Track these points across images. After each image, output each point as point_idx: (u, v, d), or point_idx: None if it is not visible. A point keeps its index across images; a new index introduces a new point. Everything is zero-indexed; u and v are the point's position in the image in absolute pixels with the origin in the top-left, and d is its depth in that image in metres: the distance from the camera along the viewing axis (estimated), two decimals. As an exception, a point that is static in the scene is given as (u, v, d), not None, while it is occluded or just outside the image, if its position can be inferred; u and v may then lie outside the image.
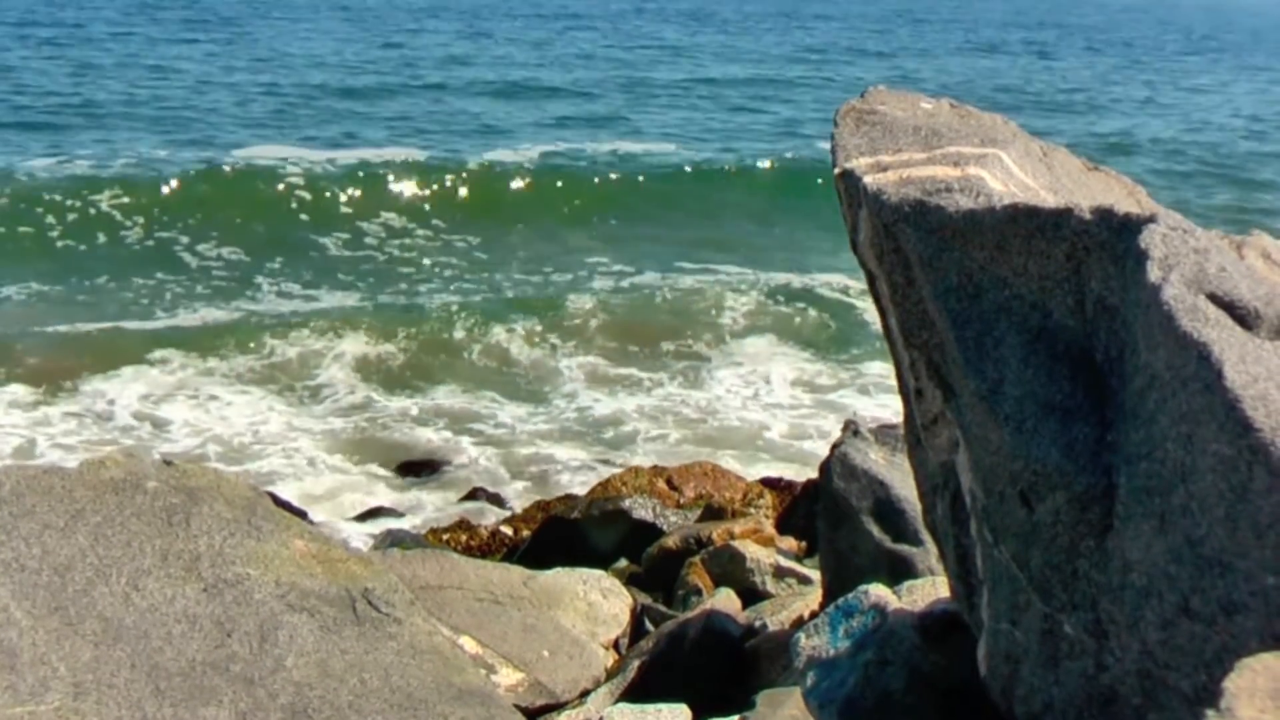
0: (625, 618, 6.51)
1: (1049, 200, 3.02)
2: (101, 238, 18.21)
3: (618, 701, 5.27)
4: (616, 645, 6.35)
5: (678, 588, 7.33)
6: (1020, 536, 2.77)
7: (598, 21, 63.14)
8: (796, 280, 18.27)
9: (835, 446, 6.27)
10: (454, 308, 16.59)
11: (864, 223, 3.26)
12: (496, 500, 10.52)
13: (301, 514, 8.60)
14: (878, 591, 3.94)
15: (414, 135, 27.34)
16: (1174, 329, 2.32)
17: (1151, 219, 2.58)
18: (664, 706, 4.79)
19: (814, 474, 7.65)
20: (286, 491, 10.33)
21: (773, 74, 43.02)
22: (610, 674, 5.80)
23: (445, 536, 9.24)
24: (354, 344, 14.79)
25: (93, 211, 19.00)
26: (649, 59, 45.94)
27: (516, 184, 22.25)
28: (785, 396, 13.69)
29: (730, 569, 7.17)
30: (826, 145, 3.64)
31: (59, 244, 17.84)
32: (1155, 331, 2.39)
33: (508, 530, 9.38)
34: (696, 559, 7.47)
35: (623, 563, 8.26)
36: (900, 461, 5.86)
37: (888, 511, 5.87)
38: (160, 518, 4.05)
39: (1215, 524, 2.20)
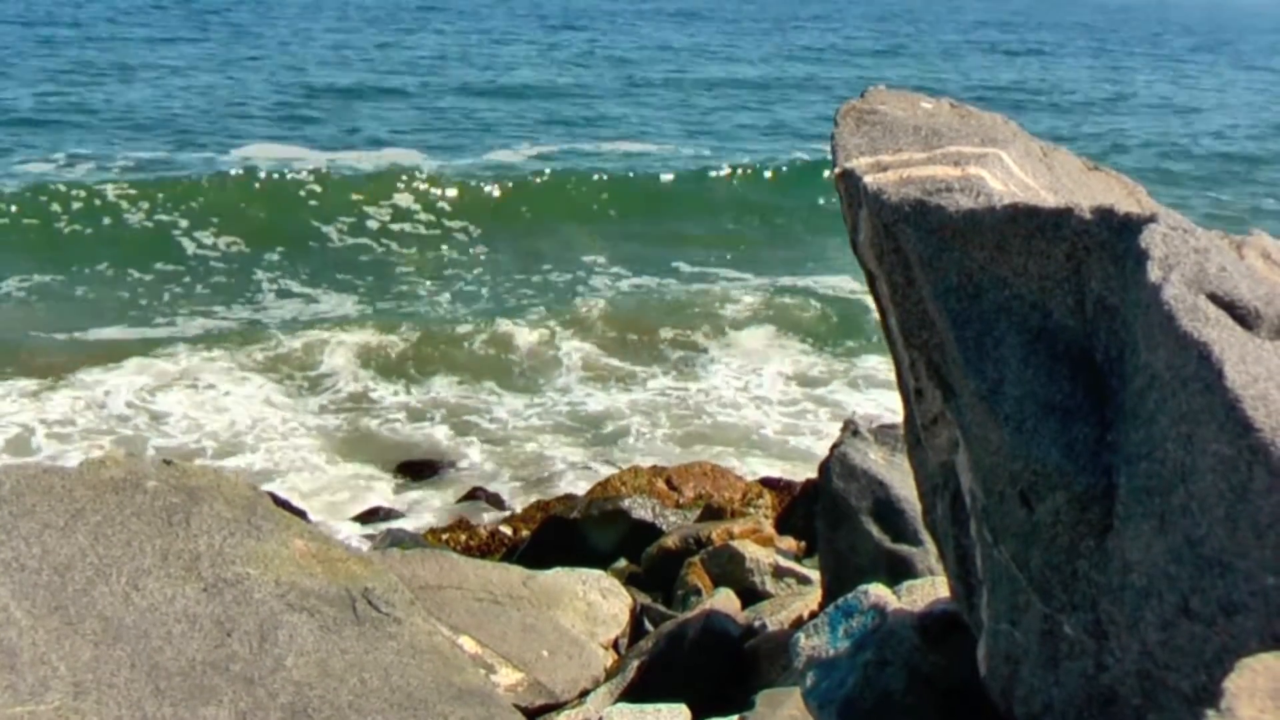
0: (624, 618, 6.51)
1: (1049, 200, 3.02)
2: (102, 238, 18.20)
3: (617, 701, 5.28)
4: (616, 645, 6.35)
5: (677, 588, 7.33)
6: (1020, 537, 2.77)
7: (598, 21, 63.12)
8: (797, 280, 18.28)
9: (835, 446, 6.27)
10: (453, 306, 16.63)
11: (864, 222, 3.26)
12: (496, 500, 10.52)
13: (301, 514, 8.60)
14: (877, 592, 3.94)
15: (414, 135, 27.33)
16: (1174, 329, 2.32)
17: (1152, 219, 2.58)
18: (663, 706, 4.79)
19: (815, 470, 7.65)
20: (286, 491, 10.33)
21: (775, 74, 43.01)
22: (609, 674, 5.80)
23: (444, 536, 9.25)
24: (355, 342, 14.78)
25: (93, 212, 18.97)
26: (648, 59, 45.94)
27: (517, 184, 22.22)
28: (785, 393, 13.70)
29: (729, 569, 7.18)
30: (825, 146, 3.64)
31: (59, 244, 17.82)
32: (1155, 331, 2.39)
33: (507, 530, 9.38)
34: (696, 559, 7.47)
35: (622, 563, 8.26)
36: (900, 461, 5.86)
37: (887, 511, 5.87)
38: (160, 517, 4.05)
39: (1215, 524, 2.20)
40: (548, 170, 23.62)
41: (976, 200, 2.96)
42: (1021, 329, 2.80)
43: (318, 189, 21.17)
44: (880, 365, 14.24)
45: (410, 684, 3.78)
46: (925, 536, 5.41)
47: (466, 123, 29.48)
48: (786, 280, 18.25)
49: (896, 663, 3.60)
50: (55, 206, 19.02)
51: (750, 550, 7.27)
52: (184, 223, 18.88)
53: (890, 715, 3.50)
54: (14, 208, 18.84)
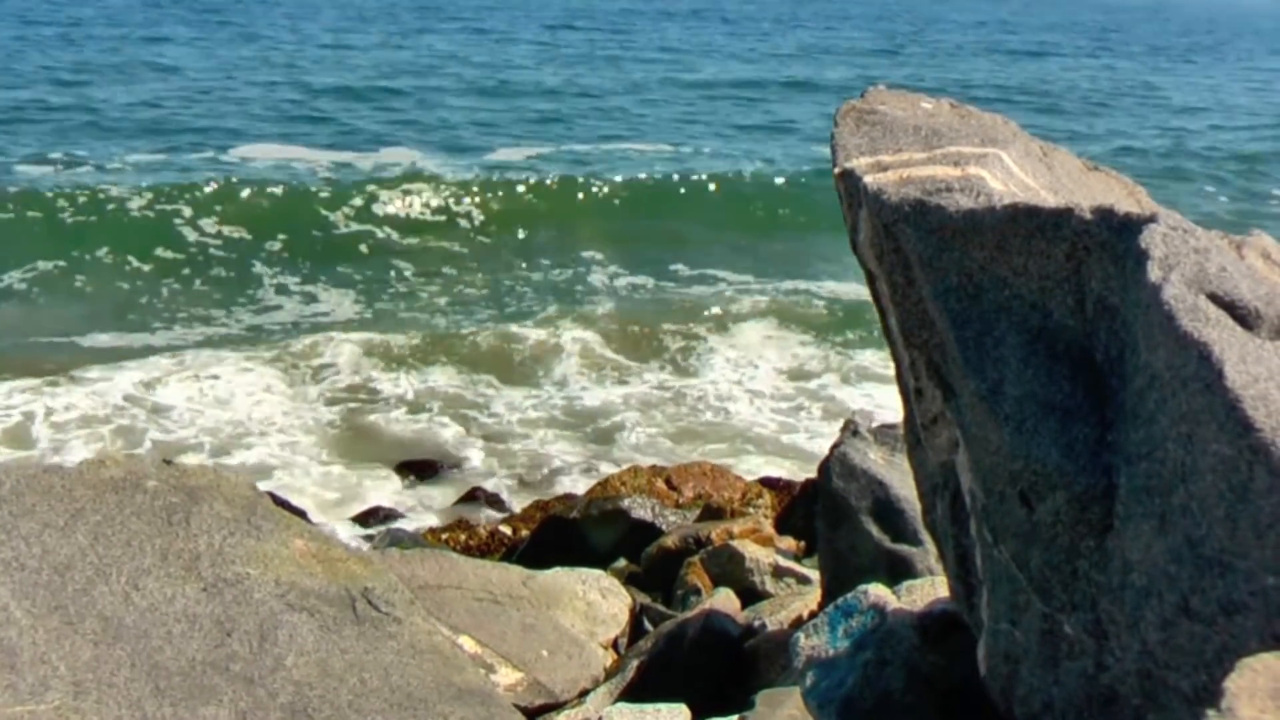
0: (624, 617, 6.52)
1: (1049, 200, 3.02)
2: (102, 238, 18.16)
3: (617, 701, 5.28)
4: (615, 645, 6.35)
5: (677, 587, 7.33)
6: (1020, 536, 2.77)
7: (598, 21, 63.11)
8: (798, 282, 18.30)
9: (835, 446, 6.27)
10: (454, 305, 16.64)
11: (864, 222, 3.26)
12: (495, 500, 10.53)
13: (301, 513, 8.59)
14: (877, 591, 3.94)
15: (415, 135, 27.33)
16: (1174, 329, 2.32)
17: (1152, 219, 2.58)
18: (663, 706, 4.79)
19: (813, 465, 7.65)
20: (285, 491, 10.33)
21: (773, 75, 43.02)
22: (609, 674, 5.81)
23: (444, 536, 9.25)
24: (355, 342, 14.79)
25: (93, 212, 18.96)
26: (650, 59, 45.94)
27: (518, 185, 22.20)
28: (781, 390, 13.72)
29: (729, 569, 7.18)
30: (825, 147, 3.64)
31: (58, 244, 17.79)
32: (1155, 331, 2.39)
33: (506, 530, 9.38)
34: (695, 559, 7.48)
35: (622, 562, 8.26)
36: (899, 461, 5.86)
37: (887, 511, 5.88)
38: (160, 517, 4.05)
39: (1215, 524, 2.20)
40: (548, 170, 23.63)
41: (976, 200, 2.96)
42: (1021, 329, 2.80)
43: (318, 188, 21.19)
44: (876, 359, 14.26)
45: (410, 684, 3.79)
46: (925, 536, 5.41)
47: (468, 123, 29.49)
48: (788, 282, 18.26)
49: (896, 662, 3.60)
50: (55, 207, 19.00)
51: (750, 550, 7.27)
52: (184, 223, 18.87)
53: (890, 715, 3.50)
54: (14, 207, 18.82)
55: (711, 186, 23.14)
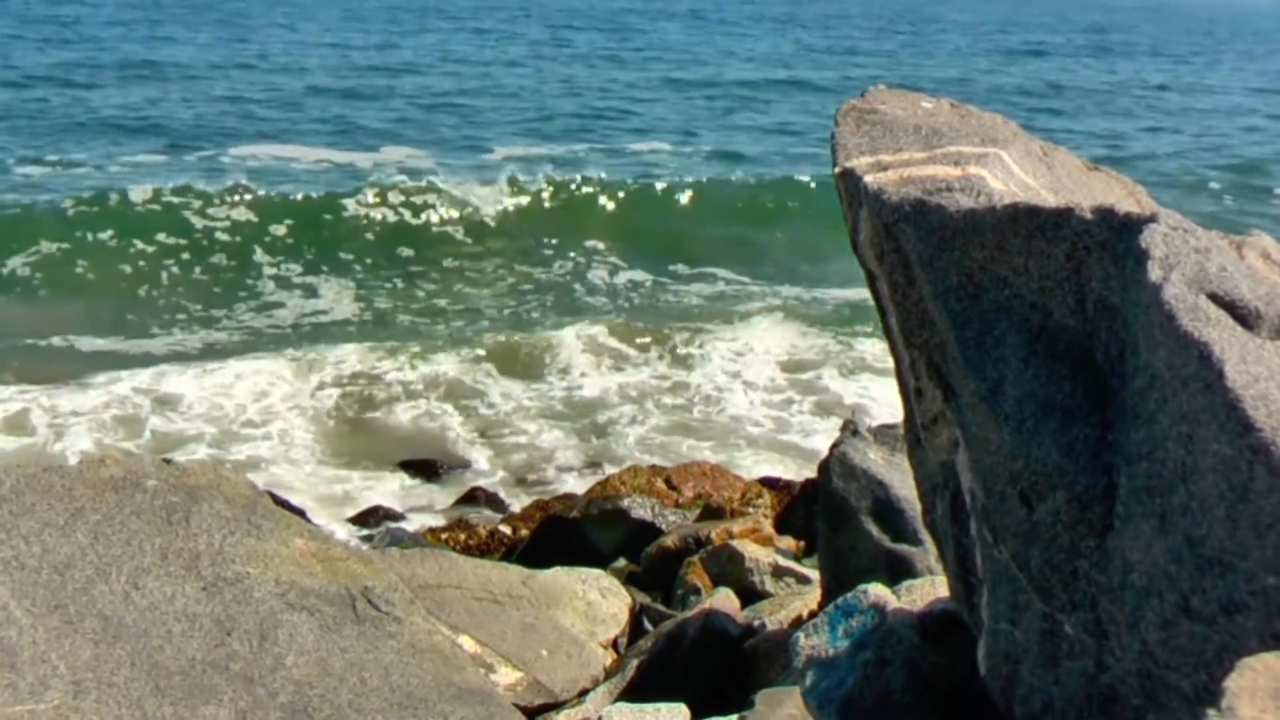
0: (624, 617, 6.52)
1: (1049, 200, 3.02)
2: (103, 238, 18.15)
3: (616, 701, 5.28)
4: (615, 644, 6.35)
5: (676, 587, 7.33)
6: (1020, 536, 2.77)
7: (599, 22, 63.11)
8: (800, 286, 18.33)
9: (834, 446, 6.27)
10: (455, 304, 16.65)
11: (864, 222, 3.26)
12: (495, 499, 10.52)
13: (300, 513, 8.59)
14: (877, 591, 3.94)
15: (415, 135, 27.33)
16: (1174, 328, 2.32)
17: (1152, 218, 2.58)
18: (662, 706, 4.79)
19: (814, 460, 7.66)
20: (285, 490, 10.33)
21: (779, 74, 43.02)
22: (609, 673, 5.81)
23: (444, 536, 9.25)
24: (356, 342, 14.81)
25: (94, 213, 18.94)
26: (650, 59, 45.94)
27: (520, 186, 22.19)
28: (780, 386, 13.73)
29: (729, 568, 7.18)
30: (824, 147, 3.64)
31: (58, 244, 17.78)
32: (1156, 331, 2.39)
33: (506, 529, 9.38)
34: (695, 558, 7.48)
35: (621, 562, 8.26)
36: (899, 461, 5.86)
37: (887, 511, 5.88)
38: (160, 516, 4.05)
39: (1216, 524, 2.20)
40: (547, 171, 23.62)
41: (977, 200, 2.97)
42: (1022, 329, 2.80)
43: (318, 188, 21.20)
44: (879, 351, 14.29)
45: (410, 683, 3.79)
46: (925, 536, 5.41)
47: (468, 122, 29.49)
48: (789, 282, 18.28)
49: (896, 662, 3.60)
50: (56, 207, 18.99)
51: (750, 550, 7.27)
52: (186, 222, 18.83)
53: (890, 715, 3.50)
54: (14, 207, 18.81)
55: (711, 186, 23.11)
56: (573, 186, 22.05)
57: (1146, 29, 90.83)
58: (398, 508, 10.37)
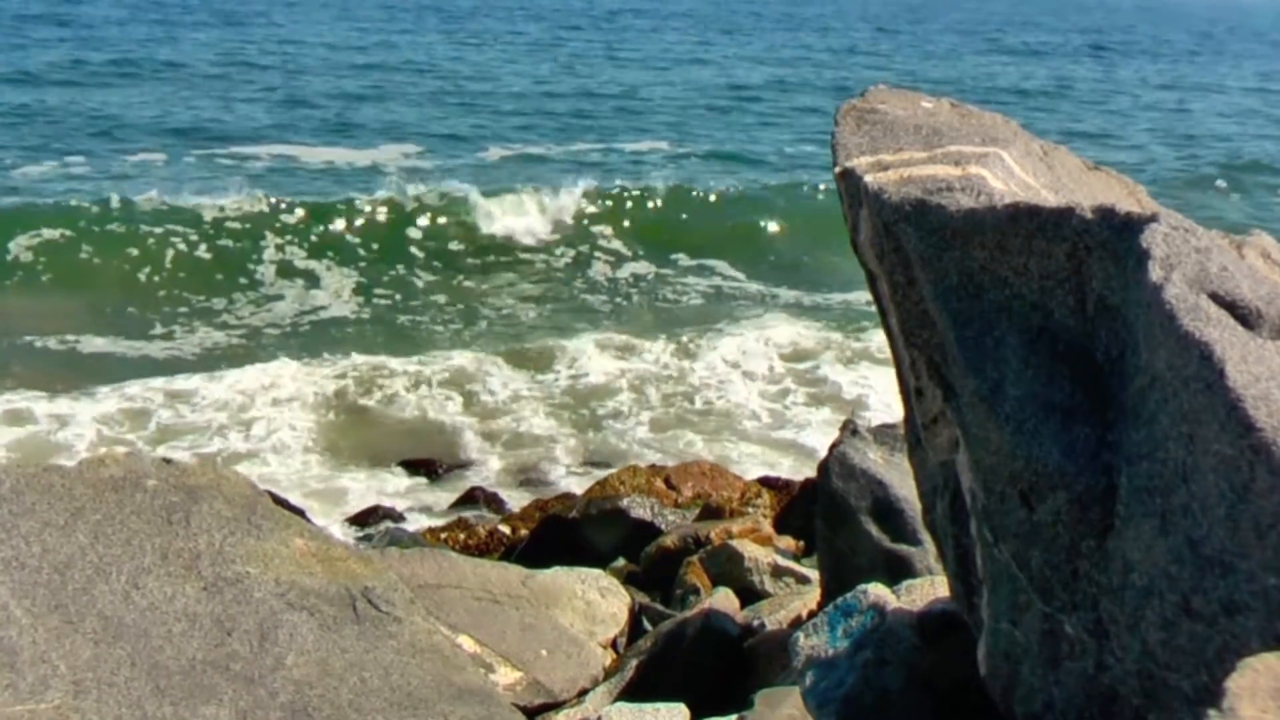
0: (623, 617, 6.51)
1: (1050, 199, 3.02)
2: (104, 238, 18.12)
3: (616, 701, 5.28)
4: (614, 644, 6.35)
5: (676, 587, 7.33)
6: (1020, 537, 2.77)
7: (600, 24, 63.10)
8: (803, 283, 18.35)
9: (834, 446, 6.27)
10: (456, 304, 16.64)
11: (864, 222, 3.26)
12: (494, 499, 10.52)
13: (300, 512, 8.59)
14: (876, 591, 3.94)
15: (416, 134, 27.33)
16: (1175, 328, 2.32)
17: (1153, 218, 2.58)
18: (662, 706, 4.79)
19: (818, 468, 7.65)
20: (285, 490, 10.33)
21: (778, 74, 43.03)
22: (608, 673, 5.80)
23: (443, 535, 9.24)
24: (358, 340, 14.82)
25: (95, 212, 18.92)
26: (650, 59, 45.93)
27: (520, 186, 22.17)
28: (782, 383, 13.76)
29: (728, 568, 7.18)
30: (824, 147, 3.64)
31: (58, 245, 17.75)
32: (1156, 331, 2.39)
33: (505, 529, 9.37)
34: (695, 558, 7.47)
35: (621, 562, 8.25)
36: (899, 461, 5.86)
37: (886, 511, 5.88)
38: (160, 516, 4.05)
39: (1216, 524, 2.20)
40: (546, 170, 23.62)
41: (977, 200, 2.97)
42: (1022, 329, 2.80)
43: (318, 187, 21.19)
44: (883, 343, 14.26)
45: (410, 683, 3.79)
46: (924, 536, 5.41)
47: (468, 122, 29.48)
48: (789, 287, 18.29)
49: (895, 662, 3.60)
50: (56, 206, 18.97)
51: (749, 549, 7.27)
52: (187, 222, 18.80)
53: (889, 715, 3.50)
54: (14, 207, 18.80)
55: (711, 186, 23.09)
56: (573, 187, 22.01)
57: (1146, 29, 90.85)
58: (397, 507, 10.37)
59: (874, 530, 5.82)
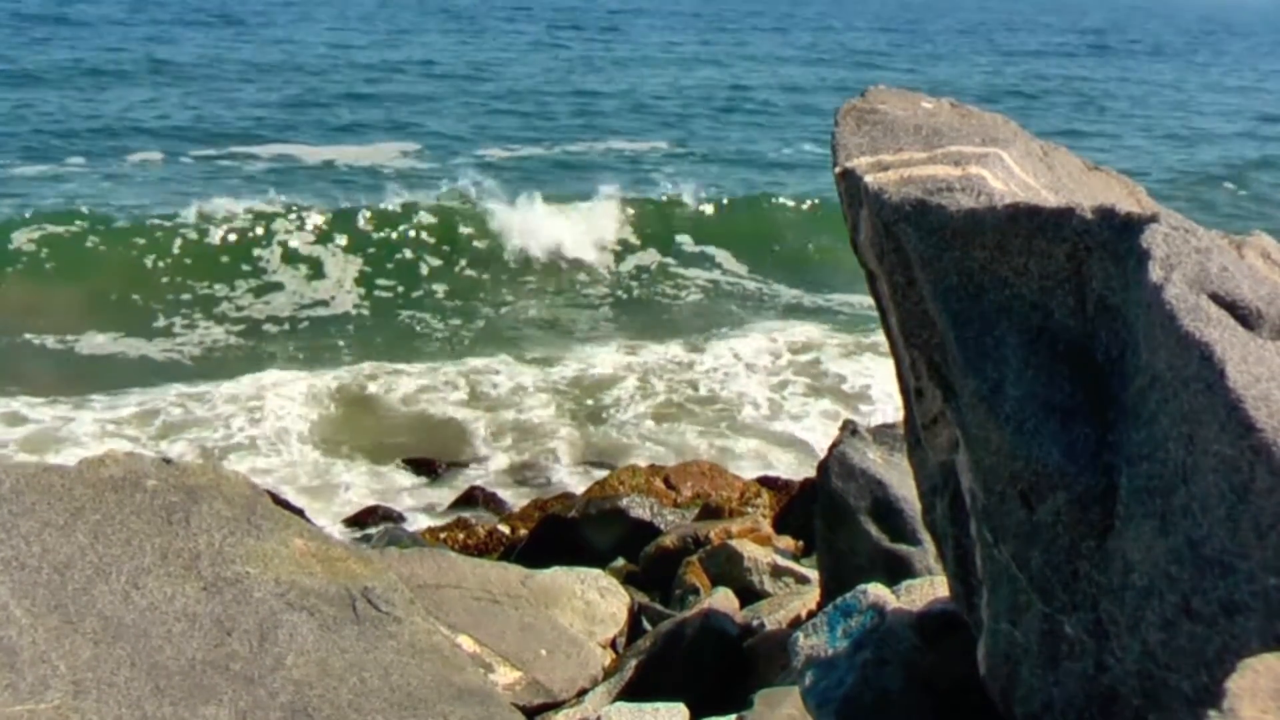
0: (623, 617, 6.51)
1: (1050, 200, 3.02)
2: (103, 238, 18.11)
3: (615, 700, 5.28)
4: (614, 644, 6.35)
5: (675, 587, 7.33)
6: (1020, 537, 2.77)
7: (598, 21, 63.08)
8: (803, 278, 18.36)
9: (833, 446, 6.27)
10: (458, 303, 16.63)
11: (864, 222, 3.26)
12: (494, 499, 10.52)
13: (299, 512, 8.59)
14: (876, 591, 3.94)
15: (415, 133, 27.32)
16: (1175, 329, 2.32)
17: (1153, 219, 2.58)
18: (661, 706, 4.79)
19: (817, 468, 7.66)
20: (284, 489, 10.33)
21: (777, 74, 43.03)
22: (608, 673, 5.81)
23: (442, 535, 9.24)
24: (357, 340, 14.82)
25: (96, 214, 18.91)
26: (648, 60, 45.94)
27: (519, 188, 22.16)
28: (788, 376, 13.79)
29: (728, 568, 7.18)
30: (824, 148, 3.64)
31: (59, 246, 17.74)
32: (1157, 331, 2.39)
33: (505, 529, 9.38)
34: (694, 558, 7.48)
35: (620, 562, 8.26)
36: (898, 461, 5.86)
37: (886, 511, 5.88)
38: (160, 516, 4.05)
39: (1217, 525, 2.20)
40: (544, 171, 23.61)
41: (977, 200, 2.97)
42: (1022, 329, 2.80)
43: (318, 188, 21.18)
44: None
45: (410, 683, 3.79)
46: (924, 536, 5.42)
47: (467, 122, 29.47)
48: (795, 283, 18.30)
49: (895, 662, 3.60)
50: (57, 207, 18.96)
51: (748, 549, 7.27)
52: (189, 222, 18.77)
53: (889, 715, 3.50)
54: (14, 207, 18.78)
55: (710, 187, 23.08)
56: (576, 189, 22.00)
57: (1146, 29, 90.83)
58: (396, 507, 10.37)
59: (873, 530, 5.82)
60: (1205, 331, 2.28)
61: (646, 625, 6.56)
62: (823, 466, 6.24)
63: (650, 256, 19.33)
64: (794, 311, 17.14)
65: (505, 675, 5.41)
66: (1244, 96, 46.13)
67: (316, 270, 17.82)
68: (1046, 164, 3.45)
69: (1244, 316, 2.36)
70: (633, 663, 5.66)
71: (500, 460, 11.59)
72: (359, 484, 10.95)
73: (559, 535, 8.61)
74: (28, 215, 18.23)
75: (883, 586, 4.05)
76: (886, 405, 12.27)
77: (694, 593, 7.04)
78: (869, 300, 3.56)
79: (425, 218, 19.73)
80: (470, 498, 10.54)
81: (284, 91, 31.66)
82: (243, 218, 18.90)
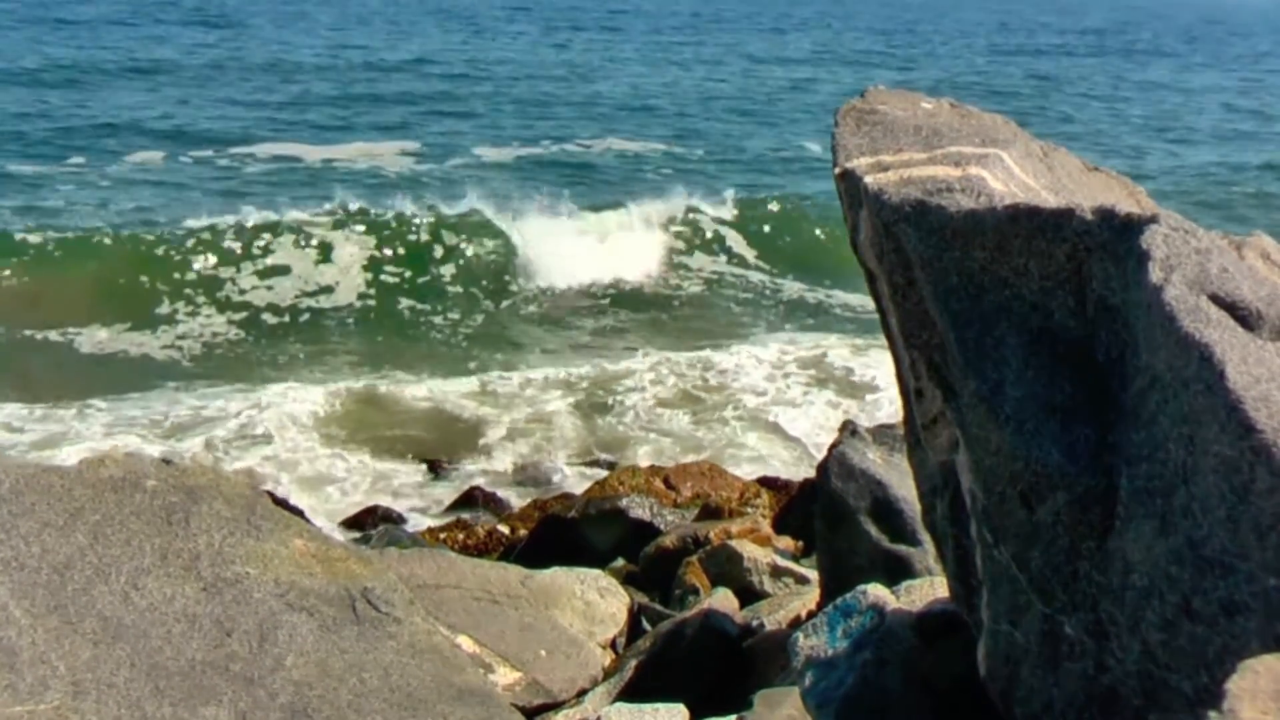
0: (622, 617, 6.51)
1: (1050, 200, 3.02)
2: (104, 240, 18.09)
3: (615, 701, 5.28)
4: (614, 645, 6.35)
5: (675, 587, 7.32)
6: (1021, 537, 2.77)
7: (600, 20, 63.08)
8: (803, 277, 18.39)
9: (833, 446, 6.27)
10: (455, 297, 16.65)
11: (864, 222, 3.26)
12: (493, 499, 10.51)
13: (299, 513, 8.59)
14: (876, 591, 3.94)
15: (413, 133, 27.31)
16: (1175, 330, 2.32)
17: (1153, 219, 2.58)
18: (661, 706, 4.79)
19: (817, 468, 7.66)
20: (284, 490, 10.33)
21: (778, 73, 43.02)
22: (607, 673, 5.81)
23: (442, 535, 9.24)
24: (355, 341, 14.81)
25: (95, 215, 18.90)
26: (649, 59, 45.94)
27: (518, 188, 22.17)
28: (795, 375, 13.82)
29: (727, 568, 7.18)
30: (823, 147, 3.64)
31: (61, 251, 17.72)
32: (1157, 332, 2.39)
33: (505, 529, 9.37)
34: (694, 558, 7.47)
35: (620, 562, 8.26)
36: (898, 461, 5.86)
37: (885, 511, 5.88)
38: (159, 516, 4.04)
39: (1217, 525, 2.20)
40: (542, 171, 23.62)
41: (977, 200, 2.97)
42: (1022, 329, 2.80)
43: (318, 189, 21.17)
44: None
45: (410, 684, 3.78)
46: (923, 536, 5.41)
47: (467, 122, 29.47)
48: (795, 281, 18.33)
49: (895, 662, 3.60)
50: (58, 208, 18.96)
51: (748, 550, 7.27)
52: (190, 222, 18.76)
53: (889, 715, 3.50)
54: (15, 207, 18.78)
55: (709, 188, 23.07)
56: (574, 190, 22.00)
57: (1146, 29, 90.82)
58: (396, 508, 10.37)
59: (873, 530, 5.82)
60: (1205, 332, 2.28)
61: (646, 625, 6.56)
62: (822, 467, 6.23)
63: (652, 257, 19.31)
64: (795, 311, 17.15)
65: (505, 676, 5.41)
66: (1244, 97, 46.12)
67: (317, 271, 17.79)
68: (1046, 165, 3.45)
69: (1244, 317, 2.36)
70: (632, 663, 5.66)
71: (500, 460, 11.59)
72: (359, 484, 10.95)
73: (559, 535, 8.60)
74: (28, 215, 18.22)
75: (882, 587, 4.05)
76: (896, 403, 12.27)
77: (694, 593, 7.03)
78: (870, 301, 3.56)
79: (429, 219, 19.70)
80: (470, 498, 10.54)
81: (284, 91, 31.67)
82: (244, 218, 18.88)
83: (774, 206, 21.72)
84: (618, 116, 31.64)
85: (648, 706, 4.80)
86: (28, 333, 14.57)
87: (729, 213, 21.08)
